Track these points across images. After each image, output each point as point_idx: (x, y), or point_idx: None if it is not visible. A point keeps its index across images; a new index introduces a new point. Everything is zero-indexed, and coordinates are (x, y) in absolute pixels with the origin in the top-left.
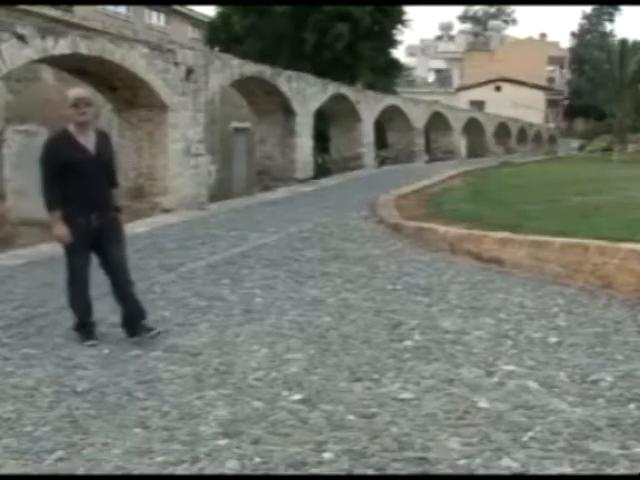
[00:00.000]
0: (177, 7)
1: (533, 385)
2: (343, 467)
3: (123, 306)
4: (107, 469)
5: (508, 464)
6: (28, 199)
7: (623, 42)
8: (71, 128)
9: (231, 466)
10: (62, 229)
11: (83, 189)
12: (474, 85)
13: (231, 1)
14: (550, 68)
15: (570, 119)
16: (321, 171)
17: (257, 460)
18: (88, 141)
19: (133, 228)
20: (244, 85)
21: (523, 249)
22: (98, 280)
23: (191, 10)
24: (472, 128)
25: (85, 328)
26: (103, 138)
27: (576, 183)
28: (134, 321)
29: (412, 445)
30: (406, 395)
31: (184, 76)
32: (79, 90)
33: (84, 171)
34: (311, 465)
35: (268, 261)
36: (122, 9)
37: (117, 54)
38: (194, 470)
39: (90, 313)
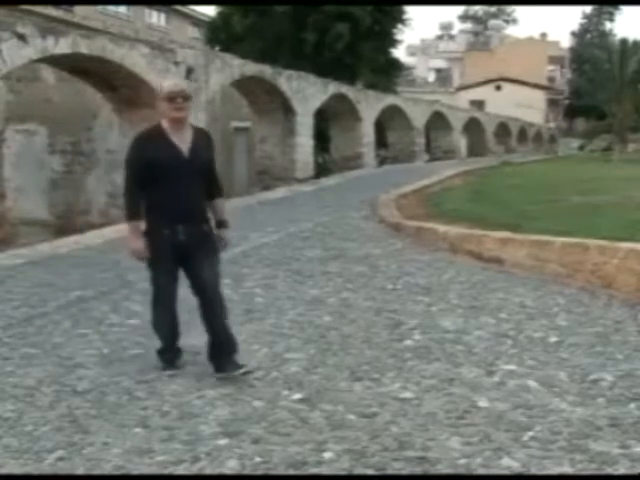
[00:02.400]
0: (177, 7)
1: (533, 385)
2: (343, 467)
3: (211, 335)
4: (107, 469)
5: (508, 464)
6: (28, 199)
7: (623, 41)
8: (164, 124)
9: (231, 466)
10: (137, 243)
11: (171, 196)
12: (474, 85)
13: (231, 1)
14: (550, 68)
15: (570, 119)
16: (321, 171)
17: (257, 460)
18: (183, 141)
19: None
20: (244, 85)
21: (523, 249)
22: (99, 280)
23: (191, 10)
24: (472, 128)
25: (167, 354)
26: (202, 139)
27: (576, 183)
28: (221, 354)
29: (412, 445)
30: (406, 395)
31: (184, 75)
32: (175, 81)
33: (173, 175)
34: (311, 465)
35: (269, 260)
36: (122, 9)
37: (117, 54)
38: (194, 470)
39: (175, 338)
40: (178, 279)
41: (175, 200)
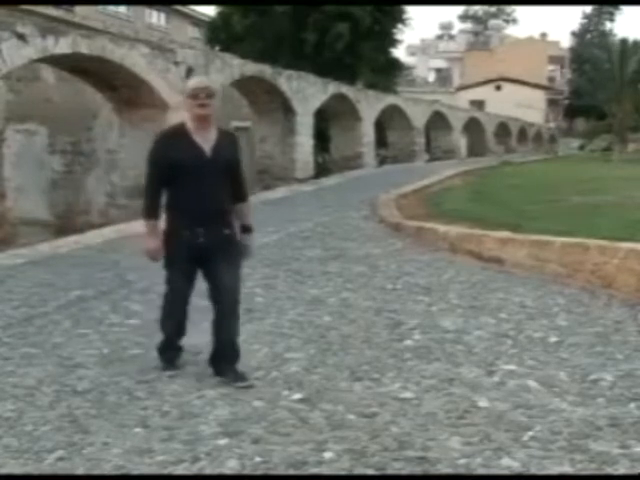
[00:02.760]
0: (177, 7)
1: (533, 385)
2: (343, 466)
3: (217, 340)
4: (107, 468)
5: (508, 464)
6: (28, 199)
7: (623, 41)
8: (188, 123)
9: (231, 465)
10: (153, 242)
11: (191, 197)
12: (474, 84)
13: (231, 1)
14: (550, 67)
15: (570, 118)
16: (321, 170)
17: (257, 459)
18: (206, 140)
19: (133, 227)
20: (244, 84)
21: (523, 249)
22: (101, 279)
23: (191, 10)
24: (472, 127)
25: (168, 353)
26: (227, 139)
27: (576, 183)
28: (222, 362)
29: (412, 444)
30: (406, 395)
31: (184, 75)
32: (200, 78)
33: (194, 175)
34: (311, 465)
35: (269, 260)
36: (122, 9)
37: (117, 53)
38: (194, 470)
39: (179, 336)
40: (194, 282)
41: (196, 201)
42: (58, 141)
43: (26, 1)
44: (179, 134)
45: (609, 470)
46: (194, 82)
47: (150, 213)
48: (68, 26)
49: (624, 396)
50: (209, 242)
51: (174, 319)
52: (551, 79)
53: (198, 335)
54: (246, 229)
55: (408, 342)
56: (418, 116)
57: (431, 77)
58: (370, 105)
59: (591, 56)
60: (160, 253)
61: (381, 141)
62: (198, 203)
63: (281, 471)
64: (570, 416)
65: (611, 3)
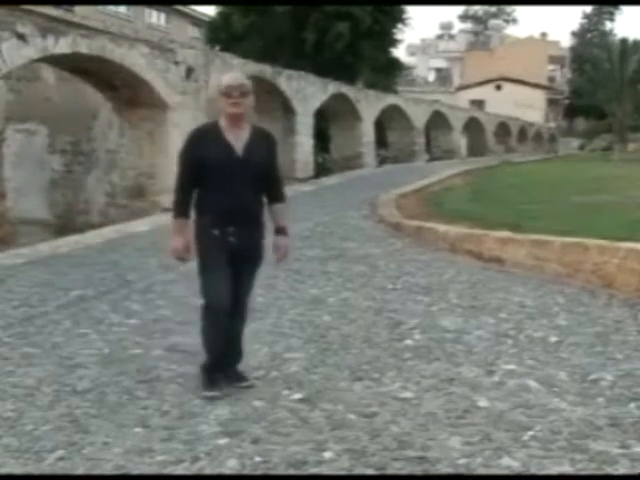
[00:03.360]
0: (177, 7)
1: (533, 384)
2: (343, 466)
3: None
4: (107, 468)
5: (508, 463)
6: (28, 198)
7: (623, 41)
8: (222, 122)
9: (231, 465)
10: (178, 241)
11: (221, 196)
12: (474, 84)
13: (231, 1)
14: (550, 67)
15: (570, 118)
16: (321, 170)
17: (257, 459)
18: (238, 139)
19: (133, 227)
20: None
21: (523, 248)
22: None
23: (192, 9)
24: (472, 127)
25: (212, 372)
26: (261, 139)
27: (576, 182)
28: (226, 362)
29: (412, 444)
30: (406, 394)
31: (184, 75)
32: (233, 75)
33: (225, 175)
34: (311, 464)
35: (268, 260)
36: (122, 8)
37: (117, 53)
38: (194, 469)
39: (223, 357)
40: (232, 284)
41: (226, 201)
42: (58, 141)
43: (26, 1)
44: (211, 132)
45: (609, 470)
46: (227, 79)
47: (179, 211)
48: (68, 26)
49: (624, 396)
50: (239, 242)
51: (218, 335)
52: (551, 79)
53: (197, 335)
54: (280, 231)
55: (408, 342)
56: (418, 116)
57: (431, 77)
58: (370, 105)
59: (591, 56)
60: (187, 253)
61: (381, 141)
62: (227, 203)
63: (281, 471)
64: (570, 416)
65: (611, 3)
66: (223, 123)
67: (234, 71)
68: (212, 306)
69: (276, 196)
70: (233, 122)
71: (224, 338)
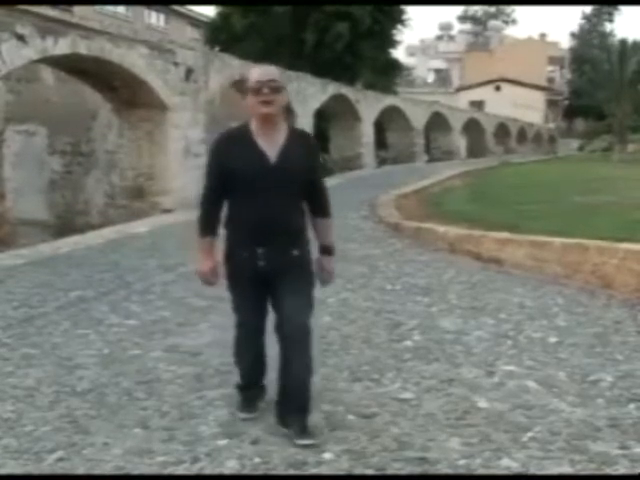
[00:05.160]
0: (177, 8)
1: (533, 385)
2: (343, 467)
3: (282, 383)
4: (107, 469)
5: (508, 464)
6: (27, 199)
7: (623, 42)
8: (252, 123)
9: (231, 466)
10: (205, 264)
11: (251, 211)
12: (474, 85)
13: (231, 1)
14: (550, 68)
15: (570, 119)
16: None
17: (257, 460)
18: (272, 143)
19: (133, 228)
20: (244, 85)
21: (523, 249)
22: (102, 278)
23: (191, 10)
24: (472, 128)
25: (246, 392)
26: (300, 142)
27: (576, 183)
28: (288, 406)
29: (412, 445)
30: (406, 395)
31: (184, 76)
32: (264, 68)
33: (256, 185)
34: (311, 465)
35: None
36: (121, 9)
37: (116, 54)
38: (194, 470)
39: (257, 376)
40: (266, 310)
41: (256, 216)
42: (57, 142)
43: (26, 1)
44: (240, 137)
45: (608, 471)
46: (256, 73)
47: (204, 229)
48: (67, 27)
49: (623, 397)
50: (271, 266)
51: (249, 355)
52: (550, 80)
53: (196, 336)
54: (325, 250)
55: (408, 343)
56: (418, 117)
57: (430, 78)
58: (370, 105)
59: (591, 57)
60: (215, 276)
61: (381, 142)
62: (259, 219)
63: (281, 472)
64: (569, 417)
65: (611, 3)
66: (254, 125)
67: (264, 64)
68: (243, 327)
69: (319, 209)
70: (265, 124)
71: (255, 359)
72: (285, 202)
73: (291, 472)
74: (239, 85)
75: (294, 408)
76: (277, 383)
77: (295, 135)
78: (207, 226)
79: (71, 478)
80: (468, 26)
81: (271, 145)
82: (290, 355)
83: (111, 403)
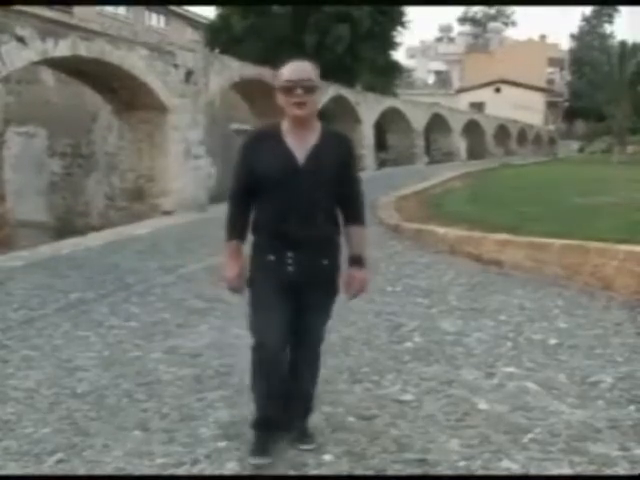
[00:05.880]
0: (177, 9)
1: (533, 387)
2: (343, 469)
3: (288, 388)
4: (107, 471)
5: (508, 466)
6: (27, 201)
7: (623, 44)
8: (284, 124)
9: (231, 467)
10: (231, 270)
11: (279, 215)
12: (474, 87)
13: (231, 1)
14: (550, 70)
15: (570, 121)
16: None
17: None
18: (302, 145)
19: (133, 230)
20: (244, 87)
21: (523, 251)
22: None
23: (191, 12)
24: (472, 130)
25: (260, 432)
26: (334, 142)
27: (576, 184)
28: (293, 412)
29: (412, 447)
30: (406, 397)
31: (184, 78)
32: (297, 65)
33: (283, 188)
34: (311, 467)
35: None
36: (122, 10)
37: (116, 56)
38: (194, 472)
39: (274, 409)
40: (288, 329)
41: (285, 221)
42: (57, 143)
43: (26, 1)
44: (270, 137)
45: (608, 472)
46: (289, 71)
47: (231, 232)
48: (67, 28)
49: (623, 398)
50: (300, 272)
51: (267, 384)
52: (550, 81)
53: (195, 338)
54: (356, 261)
55: (408, 344)
56: (418, 118)
57: (431, 79)
58: (370, 107)
59: (590, 58)
60: (243, 282)
61: (381, 144)
62: (288, 223)
63: (281, 473)
64: (569, 418)
65: (611, 3)
66: (285, 124)
67: (297, 60)
68: (262, 349)
69: (352, 216)
70: (298, 125)
71: (277, 389)
72: (314, 207)
73: (291, 473)
74: (240, 86)
75: (300, 414)
76: (287, 388)
77: (329, 135)
78: (234, 229)
79: (71, 478)
80: (468, 28)
81: (301, 146)
82: (300, 364)
83: (111, 405)
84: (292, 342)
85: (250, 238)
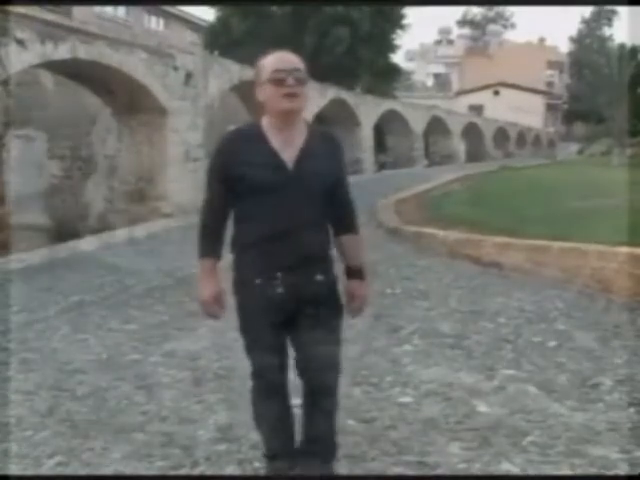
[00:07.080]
0: (176, 11)
1: (532, 389)
2: (342, 471)
3: (306, 429)
4: (106, 473)
5: (508, 468)
6: (27, 203)
7: (622, 46)
8: (265, 122)
9: (230, 470)
10: (208, 291)
11: (265, 228)
12: (473, 89)
13: (231, 2)
14: (549, 72)
15: (569, 123)
16: None
17: (256, 464)
18: (289, 146)
19: (132, 232)
20: (243, 89)
21: (522, 253)
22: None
23: (190, 14)
24: (471, 132)
25: (275, 464)
26: (323, 143)
27: (575, 187)
28: (312, 455)
29: (411, 449)
30: (405, 399)
31: (183, 80)
32: (283, 55)
33: (268, 197)
34: None
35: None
36: (121, 13)
37: (116, 59)
38: (194, 474)
39: (284, 442)
40: (287, 354)
41: (272, 235)
42: (57, 146)
43: (26, 2)
44: (250, 137)
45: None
46: (276, 60)
47: (205, 248)
48: (67, 31)
49: (623, 401)
50: (292, 293)
51: (271, 416)
52: (549, 84)
53: (195, 340)
54: (354, 273)
55: (407, 347)
56: (417, 121)
57: (430, 82)
58: (369, 110)
59: (590, 61)
60: (220, 306)
61: (380, 146)
62: (275, 238)
63: None
64: (569, 421)
65: (611, 3)
66: (267, 123)
67: (282, 50)
68: (260, 383)
69: (345, 224)
70: (284, 121)
71: (279, 420)
72: (305, 216)
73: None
74: (240, 88)
75: (320, 457)
76: (302, 426)
77: (317, 136)
78: (208, 244)
79: (71, 478)
80: (467, 30)
81: (288, 147)
82: (315, 406)
83: (110, 407)
84: (301, 380)
85: (228, 255)
